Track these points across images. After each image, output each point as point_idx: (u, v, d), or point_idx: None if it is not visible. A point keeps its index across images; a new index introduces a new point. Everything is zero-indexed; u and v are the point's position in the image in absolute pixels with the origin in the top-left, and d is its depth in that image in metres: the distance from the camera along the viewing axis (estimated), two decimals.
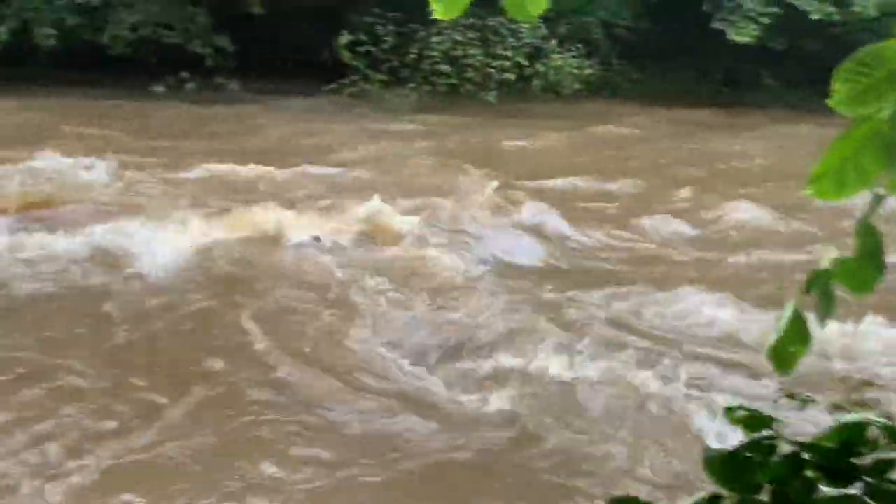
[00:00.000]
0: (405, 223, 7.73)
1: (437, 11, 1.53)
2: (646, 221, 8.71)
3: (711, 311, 6.08)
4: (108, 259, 6.70)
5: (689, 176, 11.10)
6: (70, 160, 9.45)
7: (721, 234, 8.66)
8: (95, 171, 9.19)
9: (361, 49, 15.45)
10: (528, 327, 5.76)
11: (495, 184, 9.40)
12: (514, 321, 5.85)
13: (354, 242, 7.41)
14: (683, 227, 8.62)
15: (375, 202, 7.92)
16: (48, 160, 9.42)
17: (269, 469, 4.07)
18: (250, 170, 9.82)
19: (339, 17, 15.54)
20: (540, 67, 15.80)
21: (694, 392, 4.92)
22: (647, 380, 5.00)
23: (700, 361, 5.34)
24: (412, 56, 15.69)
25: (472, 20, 16.09)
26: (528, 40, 15.73)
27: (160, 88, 14.99)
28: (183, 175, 9.46)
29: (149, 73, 15.17)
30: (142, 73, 15.11)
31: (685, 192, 10.07)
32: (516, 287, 6.62)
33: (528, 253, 7.67)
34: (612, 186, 10.32)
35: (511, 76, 15.71)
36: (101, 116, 13.01)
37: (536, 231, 8.22)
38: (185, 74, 15.15)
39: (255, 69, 15.37)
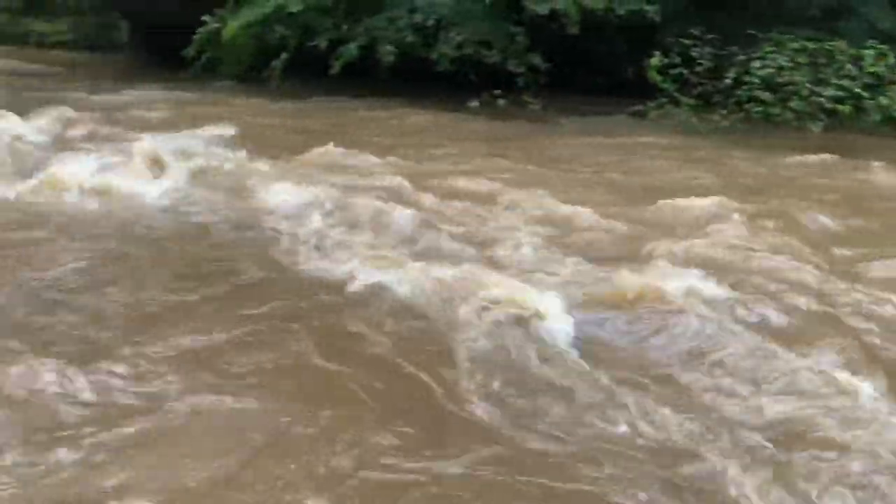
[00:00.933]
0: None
1: None
2: None
3: None
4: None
5: None
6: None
7: None
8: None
9: (673, 71, 14.71)
10: None
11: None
12: None
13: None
14: None
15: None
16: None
17: None
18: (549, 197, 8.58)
19: (651, 38, 15.00)
20: (883, 100, 13.80)
21: None
22: None
23: None
24: (728, 81, 14.58)
25: (802, 43, 14.57)
26: (871, 69, 13.85)
27: (475, 104, 15.65)
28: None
29: (465, 89, 15.93)
30: (459, 89, 15.95)
31: None
32: None
33: None
34: None
35: (846, 108, 13.89)
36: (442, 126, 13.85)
37: None
38: (497, 92, 15.64)
39: (559, 88, 15.41)
